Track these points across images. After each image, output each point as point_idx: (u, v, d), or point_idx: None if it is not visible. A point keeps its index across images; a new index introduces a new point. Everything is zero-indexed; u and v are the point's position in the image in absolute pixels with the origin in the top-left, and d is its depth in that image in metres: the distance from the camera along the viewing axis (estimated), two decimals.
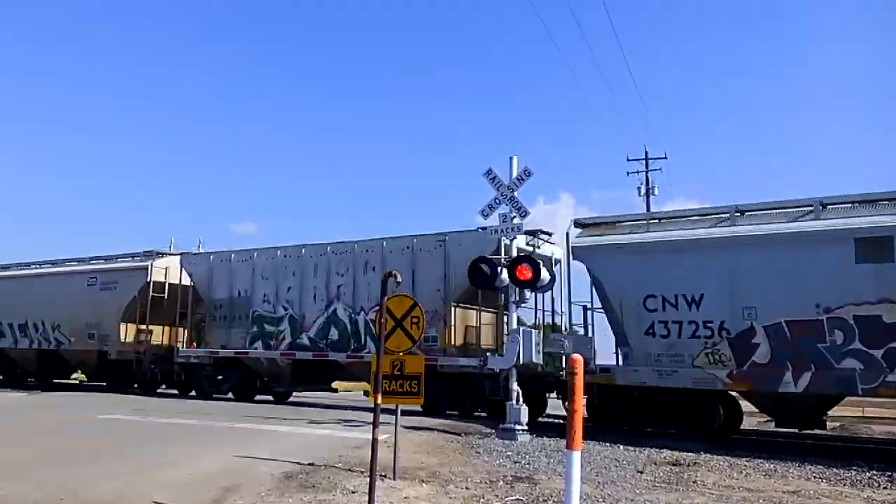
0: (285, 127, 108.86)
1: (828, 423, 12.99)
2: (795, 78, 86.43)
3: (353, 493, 6.40)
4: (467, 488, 6.94)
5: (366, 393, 14.41)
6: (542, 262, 11.36)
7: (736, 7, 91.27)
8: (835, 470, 8.81)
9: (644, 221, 13.21)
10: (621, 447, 10.40)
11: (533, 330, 11.28)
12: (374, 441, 6.25)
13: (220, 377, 18.31)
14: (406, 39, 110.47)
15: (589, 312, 12.96)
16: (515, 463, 8.71)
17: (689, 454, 9.75)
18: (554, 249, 15.28)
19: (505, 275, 11.35)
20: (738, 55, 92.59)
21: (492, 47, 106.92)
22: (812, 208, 11.55)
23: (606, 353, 13.07)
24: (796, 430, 12.26)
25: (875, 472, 8.64)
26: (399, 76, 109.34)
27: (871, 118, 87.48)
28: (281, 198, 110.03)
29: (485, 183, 11.91)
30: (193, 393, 19.12)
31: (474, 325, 14.93)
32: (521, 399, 11.28)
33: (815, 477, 8.43)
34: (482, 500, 6.42)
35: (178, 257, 20.36)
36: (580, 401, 4.22)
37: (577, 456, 4.24)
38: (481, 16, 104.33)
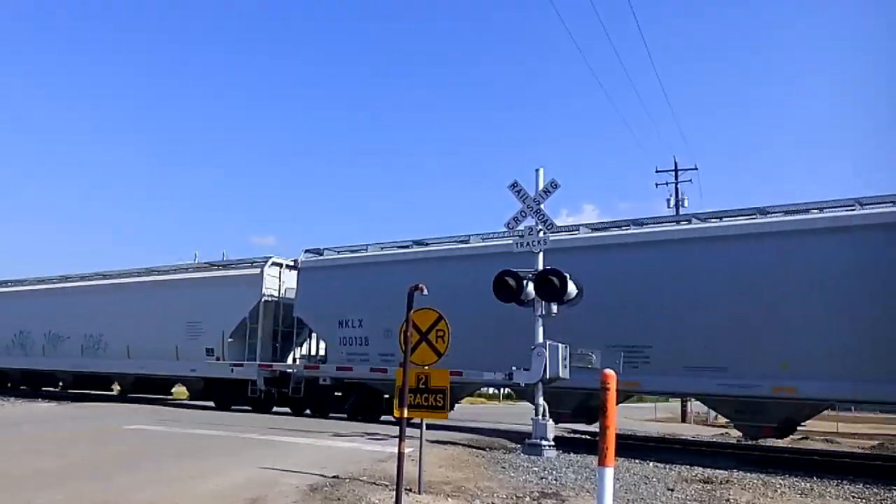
0: (298, 140, 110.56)
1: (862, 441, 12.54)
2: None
3: None
4: (493, 503, 6.84)
5: None
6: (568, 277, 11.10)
7: (772, 11, 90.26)
8: (874, 490, 8.52)
9: None
10: (651, 464, 10.19)
11: (560, 344, 11.11)
12: (401, 454, 6.20)
13: None
14: (421, 51, 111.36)
15: None
16: (542, 479, 8.56)
17: (721, 472, 9.52)
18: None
19: (531, 288, 11.23)
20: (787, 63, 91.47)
21: (506, 56, 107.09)
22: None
23: None
24: (834, 449, 11.89)
25: None
26: (419, 84, 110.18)
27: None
28: (299, 209, 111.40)
29: (506, 192, 11.87)
30: None
31: None
32: (546, 413, 11.13)
33: (853, 497, 8.15)
34: None
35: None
36: (613, 416, 4.12)
37: (609, 473, 4.14)
38: (491, 24, 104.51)
